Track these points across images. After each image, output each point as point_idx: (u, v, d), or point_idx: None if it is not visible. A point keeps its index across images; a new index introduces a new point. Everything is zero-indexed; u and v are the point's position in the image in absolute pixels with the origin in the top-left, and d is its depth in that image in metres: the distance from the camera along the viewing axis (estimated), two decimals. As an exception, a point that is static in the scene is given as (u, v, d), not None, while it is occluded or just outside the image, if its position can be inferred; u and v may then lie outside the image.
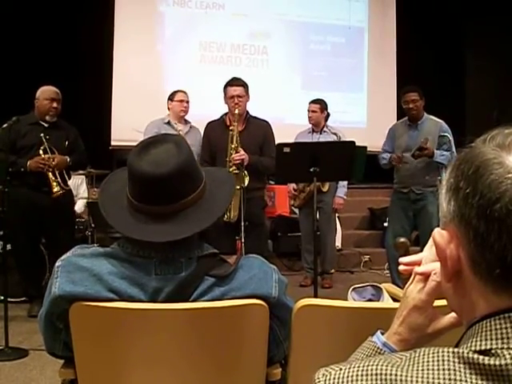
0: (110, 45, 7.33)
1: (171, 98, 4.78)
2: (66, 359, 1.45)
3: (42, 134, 4.16)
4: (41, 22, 6.81)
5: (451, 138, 4.57)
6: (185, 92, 4.82)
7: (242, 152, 3.97)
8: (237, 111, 4.03)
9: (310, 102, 5.30)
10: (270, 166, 3.97)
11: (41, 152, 4.14)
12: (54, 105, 4.27)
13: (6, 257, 3.79)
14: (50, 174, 4.15)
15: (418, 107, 4.68)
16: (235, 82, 4.19)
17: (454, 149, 4.53)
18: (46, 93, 4.28)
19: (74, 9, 6.90)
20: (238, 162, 3.94)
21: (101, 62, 7.13)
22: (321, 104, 5.24)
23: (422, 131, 4.66)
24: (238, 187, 3.83)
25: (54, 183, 4.16)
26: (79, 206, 5.76)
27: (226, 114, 4.25)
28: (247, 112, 4.23)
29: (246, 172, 3.93)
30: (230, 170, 3.90)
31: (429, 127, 4.69)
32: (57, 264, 1.33)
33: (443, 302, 0.81)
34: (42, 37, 6.75)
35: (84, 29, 6.87)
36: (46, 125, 4.28)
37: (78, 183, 5.90)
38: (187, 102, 4.75)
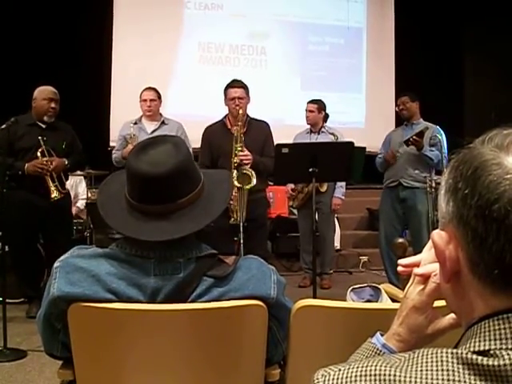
0: (108, 45, 7.33)
1: (140, 96, 4.69)
2: (65, 360, 1.45)
3: (39, 137, 4.11)
4: (40, 21, 6.81)
5: (443, 140, 4.63)
6: (152, 89, 4.68)
7: (247, 152, 3.94)
8: (241, 111, 4.00)
9: (308, 102, 5.32)
10: (271, 167, 3.95)
11: (39, 155, 4.10)
12: (53, 105, 4.21)
13: (4, 258, 3.77)
14: (48, 177, 4.11)
15: (407, 108, 4.88)
16: (235, 83, 4.16)
17: (444, 150, 4.60)
18: (43, 93, 4.22)
19: (73, 10, 6.90)
20: (246, 161, 3.89)
21: (100, 63, 7.12)
22: (318, 104, 5.25)
23: (416, 130, 4.73)
24: (248, 187, 3.79)
25: (52, 188, 4.10)
26: (78, 204, 5.76)
27: (225, 116, 4.22)
28: (247, 115, 4.21)
29: (253, 172, 3.89)
30: (238, 170, 3.85)
31: (423, 127, 4.75)
32: (55, 265, 1.33)
33: (443, 303, 0.81)
34: (41, 36, 6.75)
35: (83, 29, 6.87)
36: (43, 126, 4.23)
37: (77, 182, 5.89)
38: (152, 100, 4.60)
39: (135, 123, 4.62)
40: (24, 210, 4.13)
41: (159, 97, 4.70)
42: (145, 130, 4.56)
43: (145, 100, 4.61)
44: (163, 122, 4.64)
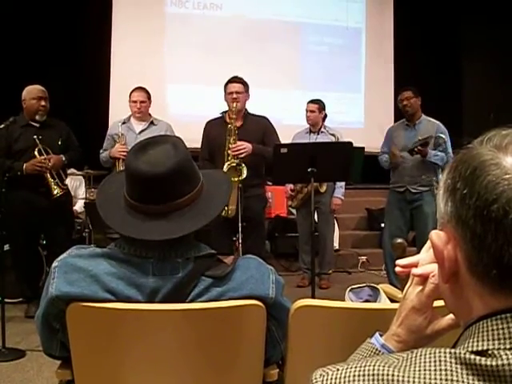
0: (107, 45, 7.33)
1: (129, 96, 4.61)
2: (63, 360, 1.45)
3: (34, 136, 4.12)
4: (39, 19, 6.81)
5: (447, 140, 4.61)
6: (141, 89, 4.60)
7: (242, 143, 3.96)
8: (235, 105, 4.04)
9: (309, 102, 5.31)
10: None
11: (36, 154, 4.10)
12: (42, 103, 4.20)
13: (3, 257, 3.77)
14: (48, 175, 4.12)
15: (412, 104, 4.75)
16: (235, 79, 4.23)
17: (450, 150, 4.57)
18: (32, 92, 4.22)
19: (73, 9, 6.90)
20: (236, 153, 3.93)
21: (99, 63, 7.13)
22: (319, 104, 5.26)
23: (419, 131, 4.69)
24: (236, 179, 3.82)
25: (53, 185, 4.12)
26: (78, 205, 5.75)
27: (225, 111, 4.26)
28: (245, 109, 4.24)
29: (243, 165, 3.93)
30: (229, 162, 3.91)
31: (426, 128, 4.72)
32: (54, 265, 1.33)
33: (442, 303, 0.81)
34: (40, 35, 6.74)
35: (82, 29, 6.87)
36: (37, 125, 4.22)
37: (77, 185, 5.88)
38: (142, 101, 4.52)
39: (124, 123, 4.58)
40: (24, 210, 4.14)
41: (149, 97, 4.63)
42: (133, 130, 4.54)
43: (135, 101, 4.54)
44: (152, 123, 4.59)
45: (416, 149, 4.52)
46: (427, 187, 4.62)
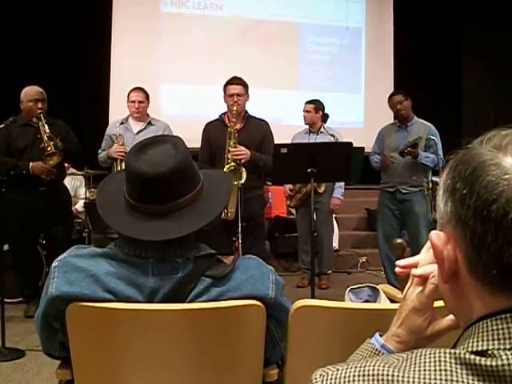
0: (107, 45, 7.33)
1: (128, 96, 4.62)
2: (63, 360, 1.45)
3: (38, 136, 4.11)
4: (39, 19, 6.80)
5: (438, 141, 4.63)
6: (140, 89, 4.61)
7: (242, 148, 3.96)
8: (235, 108, 4.04)
9: (306, 103, 5.32)
10: (270, 164, 3.97)
11: (44, 141, 4.07)
12: (39, 105, 4.17)
13: (2, 257, 3.77)
14: (46, 137, 4.06)
15: (405, 107, 4.76)
16: (235, 80, 4.21)
17: (440, 152, 4.59)
18: (29, 94, 4.20)
19: (73, 9, 6.90)
20: (236, 157, 3.93)
21: (99, 63, 7.13)
22: (315, 104, 5.25)
23: (411, 133, 4.72)
24: (236, 183, 3.82)
25: (47, 140, 4.04)
26: (79, 204, 5.75)
27: (224, 113, 4.26)
28: (246, 111, 4.24)
29: (243, 168, 3.93)
30: (228, 166, 3.91)
31: (418, 129, 4.74)
32: (53, 264, 1.33)
33: (442, 303, 0.81)
34: (40, 35, 6.74)
35: (82, 30, 6.87)
36: (36, 124, 4.20)
37: (77, 185, 5.87)
38: (140, 101, 4.53)
39: (122, 123, 4.58)
40: (23, 209, 4.14)
41: (147, 97, 4.62)
42: (131, 130, 4.54)
43: (133, 101, 4.54)
44: (150, 123, 4.59)
45: (406, 150, 4.54)
46: (417, 188, 4.65)
